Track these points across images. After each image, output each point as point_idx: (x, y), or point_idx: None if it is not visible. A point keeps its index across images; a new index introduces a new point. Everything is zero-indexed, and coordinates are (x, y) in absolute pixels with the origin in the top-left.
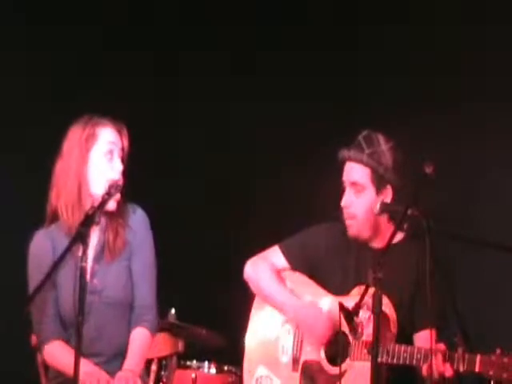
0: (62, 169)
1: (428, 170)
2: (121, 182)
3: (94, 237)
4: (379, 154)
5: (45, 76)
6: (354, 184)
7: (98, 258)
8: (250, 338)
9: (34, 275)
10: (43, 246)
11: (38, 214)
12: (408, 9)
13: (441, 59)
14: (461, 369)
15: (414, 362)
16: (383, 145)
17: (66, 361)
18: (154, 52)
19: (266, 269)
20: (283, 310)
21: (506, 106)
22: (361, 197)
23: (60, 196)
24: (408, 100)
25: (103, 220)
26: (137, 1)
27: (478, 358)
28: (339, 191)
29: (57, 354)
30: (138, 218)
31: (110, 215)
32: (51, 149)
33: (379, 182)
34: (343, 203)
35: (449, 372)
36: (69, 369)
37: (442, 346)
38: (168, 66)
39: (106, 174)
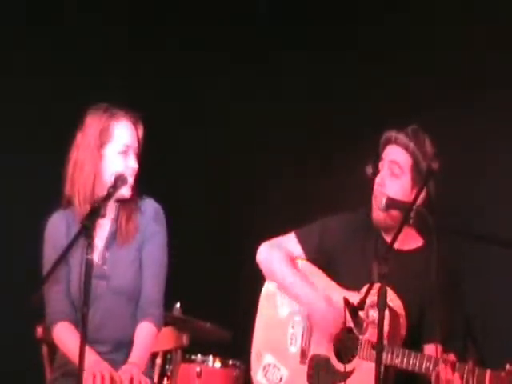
0: (78, 160)
1: (434, 165)
2: (127, 175)
3: (107, 225)
4: (424, 150)
5: (45, 76)
6: (393, 163)
7: (109, 245)
8: (258, 325)
9: (49, 255)
10: (59, 227)
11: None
12: (408, 9)
13: (441, 59)
14: (470, 383)
15: (423, 369)
16: (428, 146)
17: (71, 345)
18: (154, 52)
19: (280, 254)
20: (297, 298)
21: (505, 106)
22: (395, 181)
23: (74, 187)
24: (408, 100)
25: (115, 208)
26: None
27: (488, 373)
28: (341, 192)
29: (63, 336)
30: (152, 210)
31: (123, 204)
32: (51, 148)
33: (417, 176)
34: (378, 179)
35: (458, 383)
36: (72, 354)
37: (451, 357)
38: (168, 65)
39: (122, 172)
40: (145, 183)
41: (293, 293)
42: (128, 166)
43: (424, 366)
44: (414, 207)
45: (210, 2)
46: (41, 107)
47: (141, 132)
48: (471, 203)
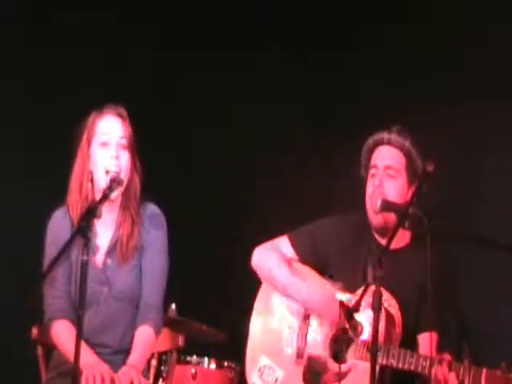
0: (75, 166)
1: (429, 167)
2: (122, 176)
3: (109, 231)
4: (416, 148)
5: (45, 76)
6: (388, 168)
7: (111, 252)
8: (254, 326)
9: (50, 253)
10: (62, 224)
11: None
12: (408, 9)
13: (441, 59)
14: (466, 382)
15: (420, 368)
16: (416, 145)
17: (69, 344)
18: (154, 51)
19: (275, 257)
20: (296, 296)
21: (505, 105)
22: (392, 181)
23: (70, 193)
24: (408, 100)
25: (118, 215)
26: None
27: (484, 372)
28: (341, 192)
29: (62, 334)
30: (152, 217)
31: (125, 211)
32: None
33: (412, 175)
34: (376, 181)
35: (454, 382)
36: (70, 352)
37: (447, 356)
38: (168, 66)
39: (104, 163)
40: (145, 183)
41: (291, 291)
42: (110, 156)
43: (420, 366)
44: (410, 210)
45: (210, 2)
46: (41, 107)
47: (128, 126)
48: (468, 204)
